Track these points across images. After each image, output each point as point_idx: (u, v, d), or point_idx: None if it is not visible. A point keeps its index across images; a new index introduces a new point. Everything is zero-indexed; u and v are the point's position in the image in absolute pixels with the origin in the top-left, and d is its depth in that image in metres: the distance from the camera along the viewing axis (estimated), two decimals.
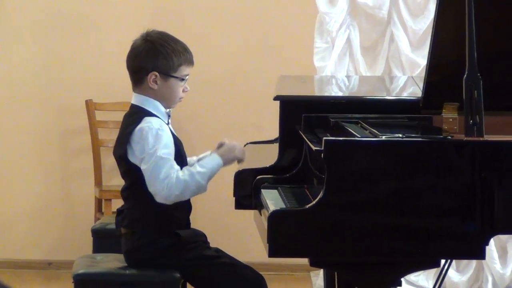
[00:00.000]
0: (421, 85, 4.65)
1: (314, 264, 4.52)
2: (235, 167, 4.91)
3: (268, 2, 7.09)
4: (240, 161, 4.71)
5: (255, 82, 6.70)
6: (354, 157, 3.95)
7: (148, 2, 7.19)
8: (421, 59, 6.29)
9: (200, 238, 4.70)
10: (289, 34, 7.00)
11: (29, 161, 7.31)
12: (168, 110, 4.61)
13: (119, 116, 5.20)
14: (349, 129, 4.30)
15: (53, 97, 7.27)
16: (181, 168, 4.58)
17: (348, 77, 6.61)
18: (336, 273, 4.90)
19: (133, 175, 4.51)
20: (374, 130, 4.22)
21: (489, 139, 4.00)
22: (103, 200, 7.02)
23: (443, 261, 4.58)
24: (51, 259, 6.95)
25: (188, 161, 4.70)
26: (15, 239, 7.23)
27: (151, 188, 4.45)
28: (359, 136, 4.16)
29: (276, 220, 3.93)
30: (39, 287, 6.29)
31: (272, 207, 4.12)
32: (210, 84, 6.20)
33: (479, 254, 4.04)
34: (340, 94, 5.81)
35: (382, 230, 3.89)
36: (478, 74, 4.02)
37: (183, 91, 4.59)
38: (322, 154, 3.93)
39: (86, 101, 7.10)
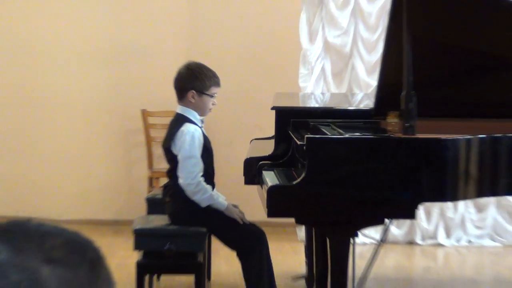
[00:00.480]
0: (372, 99, 4.62)
1: (299, 222, 4.66)
2: (242, 156, 4.89)
3: (268, 43, 7.04)
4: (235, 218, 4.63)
5: (258, 96, 6.60)
6: (326, 149, 3.98)
7: (185, 35, 7.17)
8: (373, 81, 6.13)
9: None
10: (282, 63, 6.92)
11: (103, 152, 7.28)
12: (202, 117, 4.62)
13: (165, 121, 5.21)
14: (323, 130, 4.31)
15: (119, 107, 7.20)
16: (207, 157, 4.60)
17: (322, 93, 6.58)
18: (313, 228, 4.92)
19: (174, 162, 4.51)
20: (340, 131, 4.24)
21: (418, 136, 4.02)
22: (153, 178, 6.98)
23: (387, 221, 4.51)
24: (118, 219, 6.96)
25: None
26: (93, 204, 7.22)
27: (179, 173, 4.47)
28: (330, 134, 4.19)
29: (272, 192, 3.97)
30: (110, 238, 6.27)
31: (269, 183, 4.14)
32: (228, 98, 6.16)
33: (412, 215, 4.07)
34: (316, 105, 5.84)
35: (345, 199, 3.92)
36: (412, 92, 4.02)
37: (212, 104, 4.59)
38: (305, 147, 3.96)
39: (142, 110, 7.07)
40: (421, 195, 3.98)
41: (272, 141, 4.96)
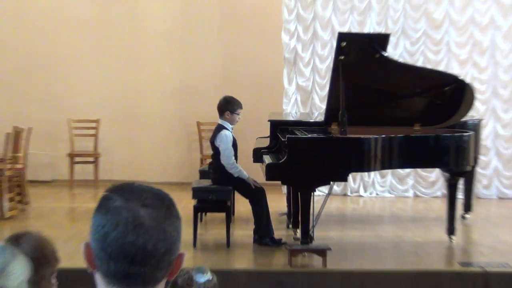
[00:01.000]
0: (323, 116, 4.81)
1: (283, 183, 4.96)
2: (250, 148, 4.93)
3: (265, 86, 6.80)
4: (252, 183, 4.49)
5: (260, 114, 6.05)
6: (298, 143, 4.14)
7: (220, 75, 6.72)
8: (323, 106, 5.94)
9: None
10: (273, 96, 6.62)
11: (176, 144, 7.04)
12: (232, 126, 4.60)
13: (209, 127, 5.30)
14: (296, 132, 4.54)
15: (185, 119, 6.88)
16: (235, 149, 4.54)
17: (296, 112, 6.56)
18: (291, 186, 4.97)
19: (216, 150, 4.60)
20: (306, 133, 4.46)
21: (349, 136, 4.21)
22: (203, 159, 6.80)
23: (332, 183, 4.63)
24: (184, 181, 6.61)
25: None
26: (170, 173, 6.95)
27: (222, 157, 4.49)
28: (300, 135, 4.39)
29: (268, 167, 4.17)
30: (179, 192, 5.36)
31: (267, 162, 4.34)
32: (244, 116, 5.04)
33: (345, 179, 4.36)
34: (292, 119, 5.74)
35: (309, 171, 4.05)
36: (345, 111, 4.21)
37: (238, 119, 4.61)
38: (286, 142, 4.15)
39: (197, 122, 6.95)
40: (350, 168, 4.14)
41: (268, 139, 5.07)
